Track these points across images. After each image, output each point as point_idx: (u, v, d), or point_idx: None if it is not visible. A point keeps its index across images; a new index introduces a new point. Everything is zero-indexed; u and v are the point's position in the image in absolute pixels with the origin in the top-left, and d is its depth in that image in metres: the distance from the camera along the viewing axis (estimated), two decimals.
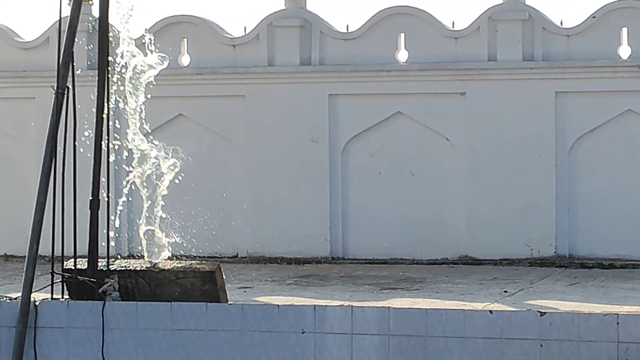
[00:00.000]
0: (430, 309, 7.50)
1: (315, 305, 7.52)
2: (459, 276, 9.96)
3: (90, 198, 7.56)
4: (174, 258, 8.00)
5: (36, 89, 11.51)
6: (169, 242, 8.29)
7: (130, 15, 7.98)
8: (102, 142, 7.75)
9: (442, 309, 7.46)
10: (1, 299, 8.14)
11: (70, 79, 7.71)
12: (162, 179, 8.14)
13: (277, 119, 11.72)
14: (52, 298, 7.60)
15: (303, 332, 7.08)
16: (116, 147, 8.24)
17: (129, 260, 8.13)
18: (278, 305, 7.68)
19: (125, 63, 7.95)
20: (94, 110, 7.68)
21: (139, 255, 8.52)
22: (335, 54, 11.08)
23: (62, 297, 7.72)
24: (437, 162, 11.37)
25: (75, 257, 7.66)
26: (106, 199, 7.92)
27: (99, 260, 7.76)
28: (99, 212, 7.74)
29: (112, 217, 8.07)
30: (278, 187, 11.66)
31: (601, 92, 10.94)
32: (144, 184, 8.19)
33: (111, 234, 7.96)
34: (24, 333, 7.20)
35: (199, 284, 7.47)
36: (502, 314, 7.15)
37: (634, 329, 6.71)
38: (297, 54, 11.07)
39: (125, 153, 8.31)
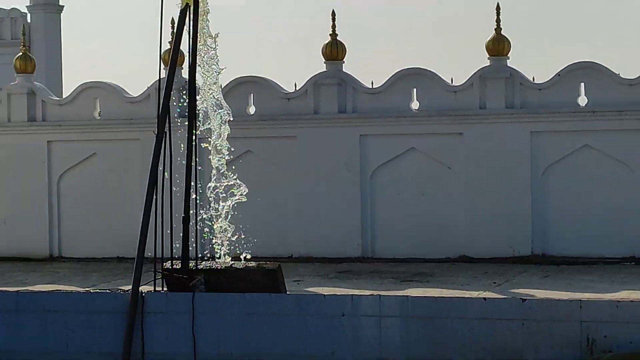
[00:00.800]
0: (438, 297, 7.37)
1: (352, 295, 7.36)
2: (458, 271, 9.70)
3: (183, 215, 7.37)
4: (244, 259, 7.74)
5: (140, 133, 11.05)
6: (239, 246, 8.08)
7: (217, 78, 7.66)
8: (191, 172, 7.46)
9: (447, 296, 7.36)
10: (117, 292, 8.01)
11: (167, 125, 7.48)
12: (234, 199, 7.83)
13: (321, 153, 11.42)
14: (154, 290, 7.43)
15: (343, 315, 6.81)
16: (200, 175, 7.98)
17: (211, 261, 7.85)
18: (324, 295, 7.51)
19: (207, 112, 7.74)
20: (184, 146, 7.43)
21: (218, 257, 7.93)
22: (365, 104, 10.84)
23: (162, 290, 7.55)
24: (442, 184, 11.09)
25: (172, 259, 7.51)
26: (194, 214, 7.54)
27: (189, 261, 7.68)
28: (189, 225, 7.47)
29: (198, 228, 7.73)
30: (322, 204, 11.11)
31: (565, 132, 10.78)
32: (221, 202, 7.90)
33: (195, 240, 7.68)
34: (133, 317, 7.02)
35: (264, 279, 7.09)
36: (493, 301, 6.97)
37: (593, 310, 6.62)
38: (336, 105, 10.73)
39: (209, 180, 7.91)
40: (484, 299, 6.93)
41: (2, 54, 24.17)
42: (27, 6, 26.08)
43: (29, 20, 26.08)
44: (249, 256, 7.64)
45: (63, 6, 26.87)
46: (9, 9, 26.26)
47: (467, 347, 6.54)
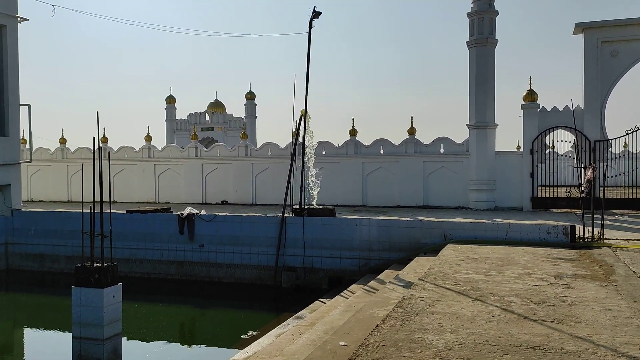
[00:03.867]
0: (390, 219, 14.27)
1: (359, 217, 14.48)
2: (402, 211, 16.05)
3: (309, 186, 16.04)
4: (321, 205, 16.04)
5: (285, 159, 20.18)
6: (318, 200, 16.54)
7: (312, 144, 16.01)
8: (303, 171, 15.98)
9: (393, 219, 14.11)
10: (273, 217, 14.94)
11: (294, 158, 15.84)
12: (317, 182, 16.47)
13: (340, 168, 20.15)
14: (290, 215, 14.83)
15: (356, 225, 14.06)
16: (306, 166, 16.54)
17: (309, 205, 15.62)
18: (349, 217, 14.65)
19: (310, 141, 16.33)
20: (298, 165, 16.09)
21: (312, 204, 15.72)
22: None
23: (292, 215, 14.85)
24: None
25: (297, 204, 15.22)
26: (299, 183, 16.07)
27: (302, 205, 15.46)
28: (302, 190, 16.01)
29: (304, 188, 16.22)
30: (344, 185, 19.75)
31: None
32: (313, 176, 16.75)
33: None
34: (282, 224, 14.49)
35: (329, 212, 14.71)
36: (411, 221, 13.97)
37: (446, 224, 13.24)
38: None
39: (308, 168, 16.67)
40: (408, 220, 14.28)
41: None
42: None
43: None
44: (322, 204, 16.08)
45: None
46: None
47: (400, 237, 13.78)
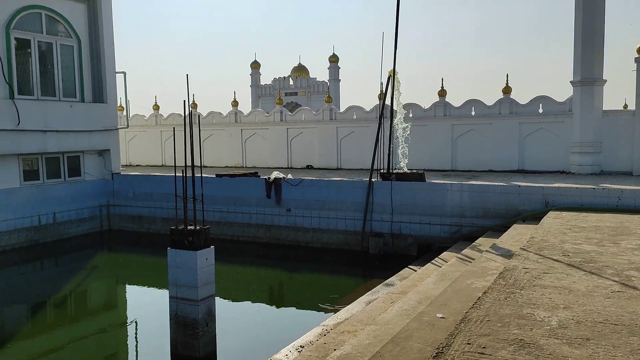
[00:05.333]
0: (482, 184, 13.47)
1: (450, 182, 13.77)
2: (507, 178, 14.98)
3: (388, 153, 15.48)
4: (409, 169, 15.42)
5: (372, 123, 19.77)
6: (406, 164, 16.08)
7: (400, 104, 15.55)
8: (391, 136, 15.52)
9: (486, 184, 13.39)
10: (360, 181, 14.61)
11: (381, 120, 15.48)
12: (406, 140, 15.96)
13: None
14: (376, 180, 14.52)
15: (447, 190, 13.52)
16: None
17: (397, 170, 15.11)
18: (440, 182, 13.99)
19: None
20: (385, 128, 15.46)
21: (401, 168, 15.15)
22: None
23: (379, 179, 14.58)
24: None
25: (385, 169, 14.84)
26: (387, 147, 15.54)
27: (389, 170, 15.04)
28: (390, 159, 15.28)
29: (392, 152, 15.33)
30: (441, 153, 19.16)
31: None
32: (402, 141, 15.74)
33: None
34: (370, 189, 14.24)
35: (418, 176, 14.23)
36: (507, 186, 13.12)
37: (547, 190, 12.42)
38: None
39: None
40: (503, 185, 13.43)
41: None
42: None
43: None
44: (410, 168, 15.58)
45: None
46: None
47: (495, 204, 13.15)
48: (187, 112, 8.47)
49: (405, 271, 10.91)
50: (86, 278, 14.11)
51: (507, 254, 8.68)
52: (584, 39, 16.70)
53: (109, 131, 19.08)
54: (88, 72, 18.57)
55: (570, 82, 17.22)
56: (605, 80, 16.97)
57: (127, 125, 21.31)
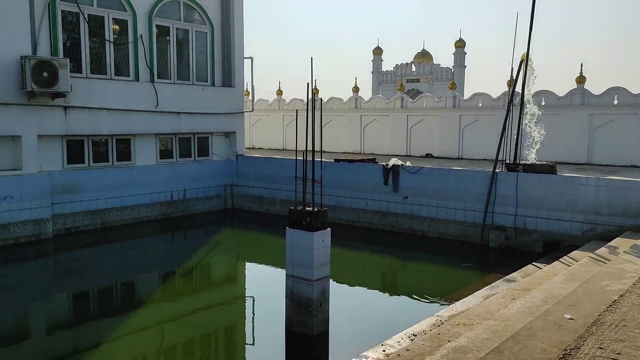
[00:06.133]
0: (624, 179, 12.19)
1: (586, 177, 12.63)
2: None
3: (515, 144, 14.39)
4: (538, 160, 14.28)
5: (499, 111, 18.95)
6: (535, 154, 14.66)
7: (531, 92, 14.29)
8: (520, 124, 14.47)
9: (629, 180, 12.07)
10: (483, 171, 14.10)
11: (510, 108, 14.56)
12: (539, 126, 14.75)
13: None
14: (501, 171, 13.74)
15: (582, 185, 12.42)
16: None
17: (526, 161, 14.12)
18: (573, 175, 12.85)
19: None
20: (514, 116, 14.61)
21: (530, 160, 14.15)
22: None
23: (504, 170, 13.73)
24: None
25: (511, 159, 14.05)
26: (515, 136, 14.78)
27: (516, 160, 13.99)
28: (519, 149, 14.04)
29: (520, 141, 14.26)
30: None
31: None
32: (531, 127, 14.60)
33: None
34: (493, 181, 13.59)
35: (549, 168, 13.19)
36: None
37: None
38: None
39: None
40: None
41: None
42: None
43: None
44: (537, 162, 14.37)
45: None
46: None
47: (638, 202, 11.95)
48: (309, 97, 8.62)
49: (529, 268, 10.34)
50: (210, 252, 15.07)
51: None
52: None
53: (236, 114, 20.09)
54: (219, 58, 19.65)
55: None
56: None
57: (252, 109, 22.32)
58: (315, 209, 8.37)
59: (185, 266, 13.40)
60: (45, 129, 14.83)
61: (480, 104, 19.47)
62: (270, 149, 25.44)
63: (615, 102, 16.92)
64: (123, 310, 10.05)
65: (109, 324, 9.13)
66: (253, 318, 9.89)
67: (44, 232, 14.63)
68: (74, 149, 15.88)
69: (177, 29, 18.29)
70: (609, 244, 10.38)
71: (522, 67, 14.18)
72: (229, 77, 19.90)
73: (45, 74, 13.87)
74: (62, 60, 14.31)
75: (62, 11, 15.35)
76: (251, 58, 20.45)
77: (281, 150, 25.04)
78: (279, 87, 26.38)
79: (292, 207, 8.59)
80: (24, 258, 13.63)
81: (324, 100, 23.99)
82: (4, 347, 8.21)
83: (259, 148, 26.08)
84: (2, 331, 8.98)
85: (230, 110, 19.80)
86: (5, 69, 13.77)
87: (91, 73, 16.09)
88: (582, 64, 17.71)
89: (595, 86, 17.95)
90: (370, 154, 21.79)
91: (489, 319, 6.25)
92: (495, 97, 19.10)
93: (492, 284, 9.34)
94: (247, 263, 14.41)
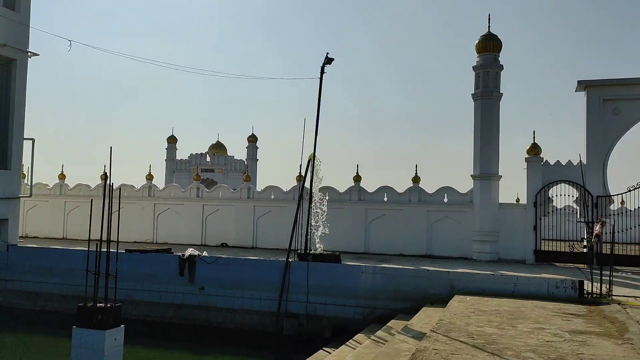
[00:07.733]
0: (394, 267, 14.01)
1: (364, 265, 14.22)
2: (403, 259, 15.59)
3: (306, 234, 15.69)
4: (325, 250, 15.59)
5: (290, 204, 20.09)
6: (322, 244, 16.31)
7: (319, 187, 16.13)
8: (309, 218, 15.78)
9: (398, 267, 13.88)
10: (277, 260, 14.55)
11: (300, 201, 15.78)
12: (321, 229, 16.23)
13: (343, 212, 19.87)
14: (293, 260, 14.49)
15: (362, 272, 13.80)
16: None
17: (314, 251, 15.21)
18: (354, 264, 14.36)
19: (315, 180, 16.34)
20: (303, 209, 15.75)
21: (317, 249, 15.29)
22: None
23: (296, 259, 14.56)
24: None
25: (301, 249, 14.96)
26: (304, 228, 15.82)
27: (306, 250, 15.01)
28: (308, 239, 15.17)
29: (309, 233, 15.57)
30: (349, 237, 19.66)
31: None
32: (319, 221, 16.52)
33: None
34: (287, 268, 14.14)
35: (333, 258, 14.45)
36: (416, 270, 13.76)
37: (453, 275, 13.02)
38: None
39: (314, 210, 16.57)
40: (413, 269, 14.01)
41: None
42: None
43: None
44: (326, 249, 15.84)
45: None
46: None
47: (406, 287, 13.46)
48: (106, 184, 8.41)
49: (320, 353, 10.93)
50: None
51: (418, 336, 9.07)
52: (482, 137, 18.60)
53: (10, 200, 18.03)
54: None
55: (471, 175, 18.82)
56: (501, 176, 18.78)
57: (30, 194, 20.24)
58: (109, 305, 7.94)
59: None
60: None
61: (273, 196, 20.71)
62: (48, 238, 23.13)
63: (385, 199, 19.55)
64: None
65: None
66: None
67: None
68: None
69: None
70: (385, 326, 11.57)
71: (310, 165, 15.64)
72: (4, 158, 17.93)
73: None
74: None
75: None
76: (32, 139, 18.83)
77: (61, 239, 22.89)
78: (62, 171, 24.51)
79: (80, 304, 8.01)
80: None
81: (115, 186, 22.85)
82: None
83: (34, 237, 23.45)
84: None
85: (3, 195, 17.69)
86: None
87: None
88: (357, 165, 20.31)
89: (369, 183, 20.44)
90: (164, 243, 21.27)
91: None
92: (286, 190, 20.55)
93: None
94: None
